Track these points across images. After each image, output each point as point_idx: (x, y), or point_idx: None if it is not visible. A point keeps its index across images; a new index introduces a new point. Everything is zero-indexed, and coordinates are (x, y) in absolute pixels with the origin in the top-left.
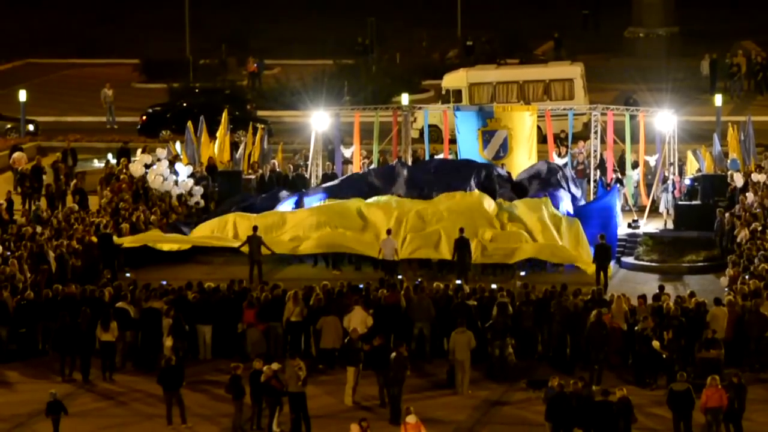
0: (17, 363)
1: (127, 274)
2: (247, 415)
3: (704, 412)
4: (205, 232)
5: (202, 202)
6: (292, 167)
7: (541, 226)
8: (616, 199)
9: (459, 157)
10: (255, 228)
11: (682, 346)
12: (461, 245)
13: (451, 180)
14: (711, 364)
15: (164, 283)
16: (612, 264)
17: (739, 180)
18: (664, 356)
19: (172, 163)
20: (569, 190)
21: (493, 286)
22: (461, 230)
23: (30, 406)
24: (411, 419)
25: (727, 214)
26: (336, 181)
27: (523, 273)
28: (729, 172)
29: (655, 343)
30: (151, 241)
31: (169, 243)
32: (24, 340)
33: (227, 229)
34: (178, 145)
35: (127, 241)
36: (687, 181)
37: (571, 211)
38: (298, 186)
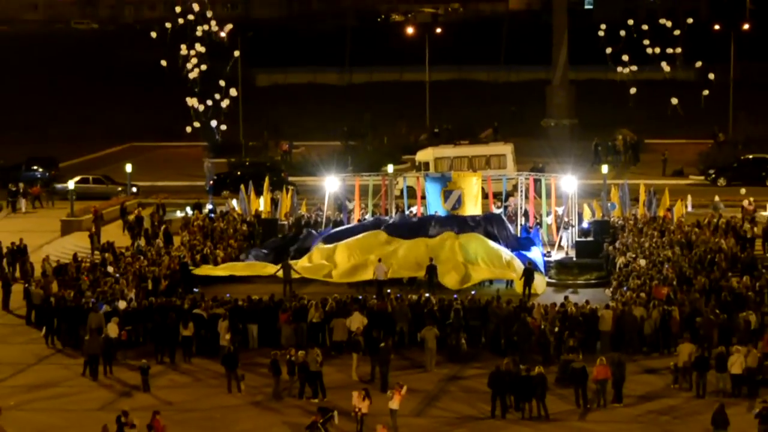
0: (125, 351)
1: (195, 290)
2: (283, 386)
3: (595, 382)
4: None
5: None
6: (313, 215)
7: (488, 255)
8: (540, 241)
9: (428, 210)
10: (286, 257)
11: (577, 337)
12: (431, 269)
13: (423, 229)
14: (569, 365)
15: (228, 296)
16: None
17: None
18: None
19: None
20: (508, 232)
21: (454, 296)
22: (431, 259)
23: (135, 378)
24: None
25: (610, 247)
26: (363, 223)
27: (473, 292)
28: (611, 216)
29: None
30: (216, 272)
31: (225, 271)
32: (130, 335)
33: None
34: (234, 201)
35: (198, 270)
36: (585, 225)
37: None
38: (316, 228)
